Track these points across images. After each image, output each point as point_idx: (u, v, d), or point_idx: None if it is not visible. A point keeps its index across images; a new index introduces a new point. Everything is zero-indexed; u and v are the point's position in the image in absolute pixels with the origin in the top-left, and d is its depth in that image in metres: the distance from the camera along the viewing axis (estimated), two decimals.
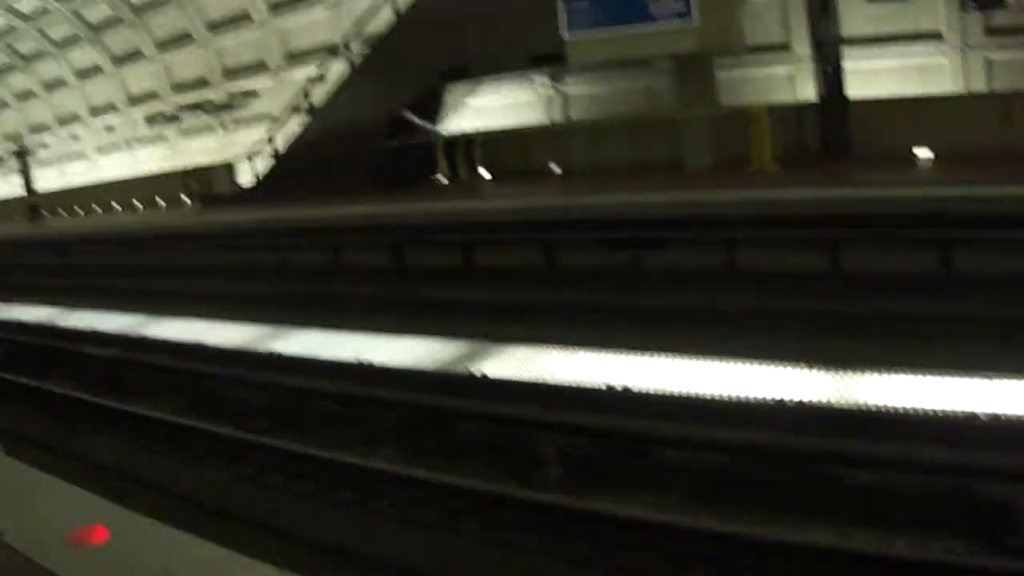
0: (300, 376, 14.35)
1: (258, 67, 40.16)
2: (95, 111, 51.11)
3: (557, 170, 27.23)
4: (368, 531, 9.67)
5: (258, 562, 6.63)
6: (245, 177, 34.52)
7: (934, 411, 9.83)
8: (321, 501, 10.55)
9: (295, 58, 38.09)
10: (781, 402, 10.53)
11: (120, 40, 46.61)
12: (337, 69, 31.38)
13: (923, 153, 21.15)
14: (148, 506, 8.29)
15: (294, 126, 31.79)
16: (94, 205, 46.54)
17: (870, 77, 23.51)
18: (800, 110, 22.97)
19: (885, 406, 10.19)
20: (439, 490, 10.16)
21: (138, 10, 43.95)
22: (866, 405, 10.45)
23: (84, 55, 49.20)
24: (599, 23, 23.91)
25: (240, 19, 39.79)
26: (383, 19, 30.01)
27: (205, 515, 9.83)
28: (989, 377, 10.78)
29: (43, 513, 7.79)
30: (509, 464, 10.72)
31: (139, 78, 47.19)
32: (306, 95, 31.73)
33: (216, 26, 41.28)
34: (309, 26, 36.89)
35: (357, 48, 30.84)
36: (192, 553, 6.91)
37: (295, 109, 32.23)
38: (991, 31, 23.35)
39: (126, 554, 6.86)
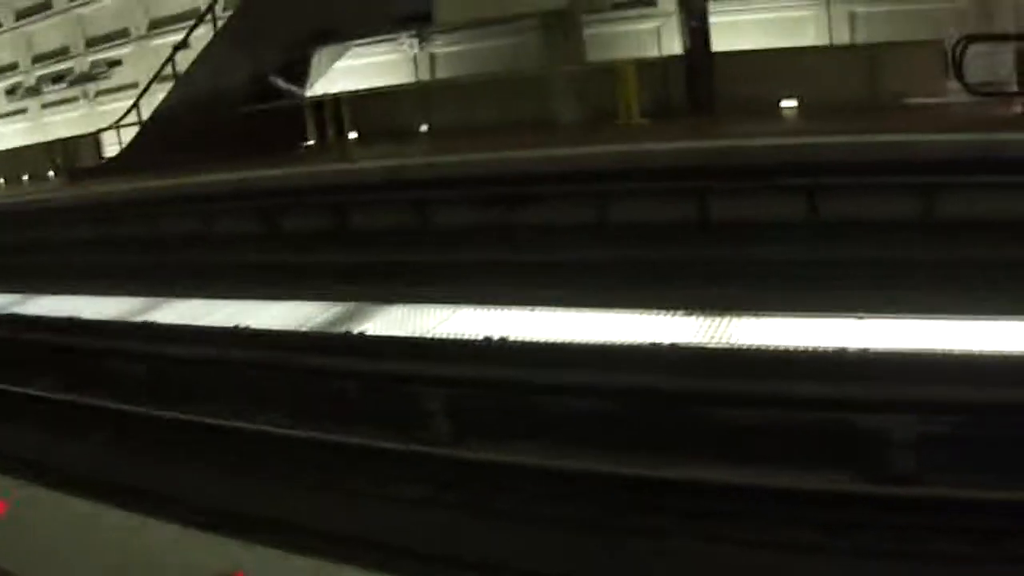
0: (177, 344, 14.27)
1: (121, 35, 39.47)
2: None
3: (425, 129, 27.28)
4: (255, 493, 9.76)
5: (160, 522, 6.78)
6: (111, 149, 33.97)
7: (805, 348, 10.32)
8: (208, 467, 10.59)
9: (159, 25, 37.58)
10: (656, 345, 10.87)
11: None
12: (202, 35, 31.06)
13: (788, 104, 21.68)
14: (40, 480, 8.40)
15: (159, 94, 31.40)
16: None
17: (736, 30, 23.96)
18: (667, 64, 23.33)
19: (759, 346, 10.65)
20: (325, 449, 10.36)
21: None
22: (740, 346, 10.88)
23: None
24: None
25: None
26: None
27: (96, 487, 9.85)
28: (859, 317, 11.32)
29: None
30: (394, 420, 10.96)
31: None
32: (171, 62, 31.34)
33: None
34: None
35: (222, 12, 30.55)
36: (92, 520, 7.03)
37: (160, 77, 31.84)
38: None
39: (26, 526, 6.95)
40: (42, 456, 11.14)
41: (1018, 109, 18.01)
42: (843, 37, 23.94)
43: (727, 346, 11.12)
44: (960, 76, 19.42)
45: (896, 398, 9.03)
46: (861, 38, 23.65)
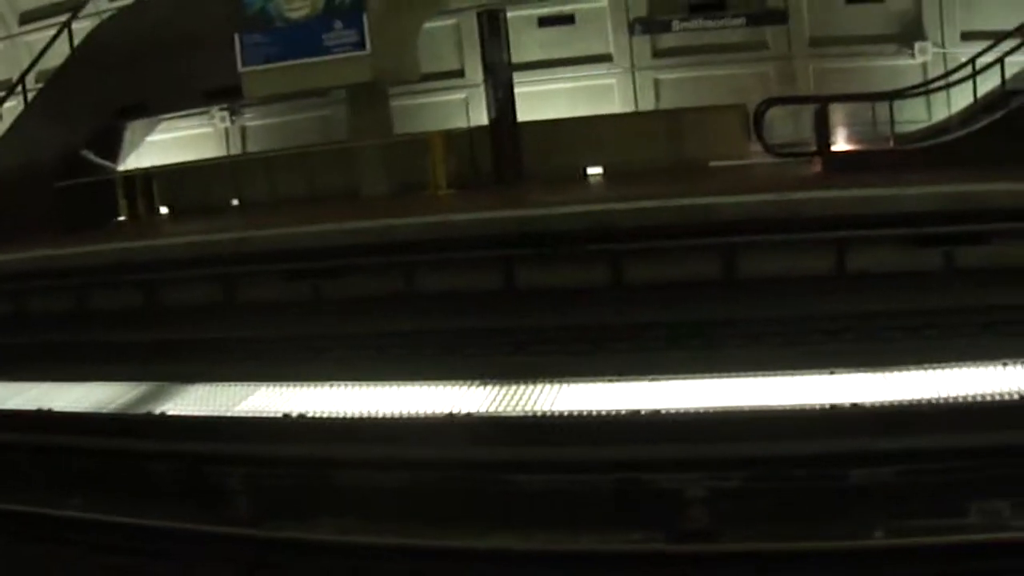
0: None
1: None
2: None
3: (236, 203, 27.03)
4: None
5: None
6: None
7: (601, 412, 10.39)
8: (9, 555, 10.25)
9: None
10: (451, 416, 10.86)
11: None
12: (13, 107, 30.39)
13: (593, 171, 22.03)
14: None
15: None
16: None
17: (543, 100, 24.37)
18: (474, 135, 23.55)
19: (556, 412, 10.69)
20: (130, 533, 10.11)
21: None
22: (538, 413, 10.90)
23: None
24: (274, 56, 23.87)
25: None
26: (60, 54, 29.20)
27: None
28: (654, 379, 11.43)
29: None
30: (197, 500, 10.73)
31: None
32: None
33: None
34: None
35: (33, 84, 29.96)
36: None
37: None
38: (658, 52, 24.53)
39: None
40: None
41: (816, 168, 18.54)
42: (648, 103, 24.43)
43: (524, 414, 11.11)
44: (761, 138, 20.00)
45: (689, 456, 9.14)
46: (666, 104, 24.17)
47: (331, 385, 12.84)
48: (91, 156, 28.02)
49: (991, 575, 7.54)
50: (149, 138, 29.77)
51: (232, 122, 29.79)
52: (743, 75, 23.45)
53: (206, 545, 9.61)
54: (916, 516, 8.47)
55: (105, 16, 28.02)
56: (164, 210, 28.07)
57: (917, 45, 22.96)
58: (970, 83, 20.04)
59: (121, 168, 29.03)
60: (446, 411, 11.00)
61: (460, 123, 25.49)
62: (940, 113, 21.33)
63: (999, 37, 20.39)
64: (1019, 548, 7.68)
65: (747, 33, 23.74)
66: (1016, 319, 13.12)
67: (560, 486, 9.52)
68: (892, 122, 19.71)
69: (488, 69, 23.12)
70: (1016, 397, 9.52)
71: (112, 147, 28.63)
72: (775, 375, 11.08)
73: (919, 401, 9.81)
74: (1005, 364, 10.46)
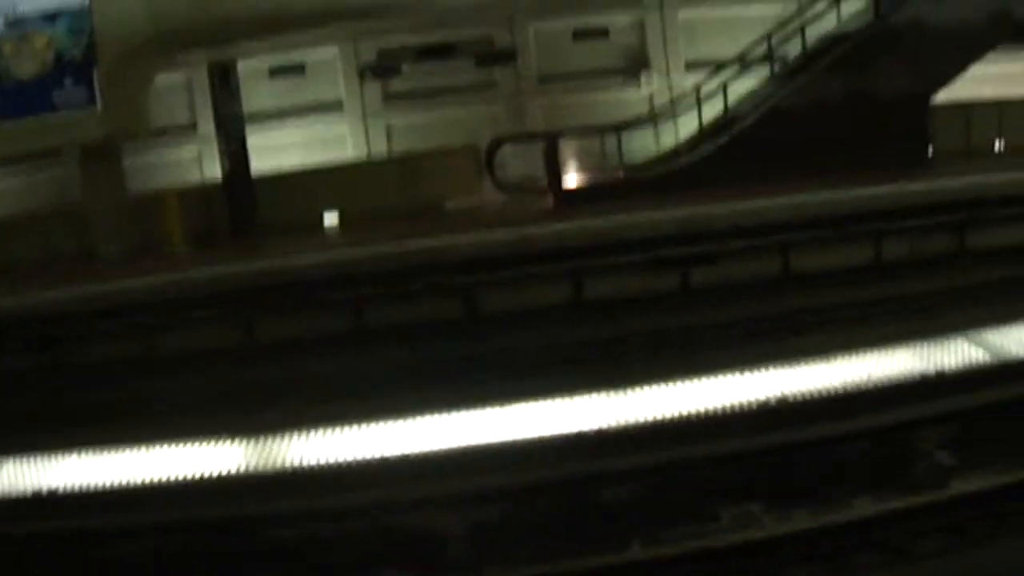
0: None
1: None
2: None
3: None
4: None
5: None
6: None
7: (354, 460, 10.38)
8: None
9: None
10: (186, 479, 10.71)
11: None
12: None
13: (328, 220, 21.97)
14: None
15: None
16: None
17: (277, 151, 24.12)
18: (208, 190, 23.19)
19: (311, 463, 10.63)
20: None
21: None
22: (290, 465, 10.82)
23: None
24: (5, 114, 23.12)
25: None
26: None
27: None
28: (402, 417, 11.45)
29: None
30: None
31: None
32: None
33: None
34: None
35: None
36: None
37: None
38: (389, 97, 24.59)
39: None
40: None
41: (548, 203, 18.86)
42: (382, 149, 24.47)
43: (269, 469, 10.99)
44: (493, 176, 20.26)
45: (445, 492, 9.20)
46: (400, 148, 24.23)
47: (79, 455, 12.49)
48: None
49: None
50: None
51: None
52: (474, 115, 23.64)
53: None
54: None
55: None
56: None
57: (643, 76, 23.56)
58: (695, 112, 20.77)
59: None
60: (183, 475, 10.87)
61: (193, 178, 25.00)
62: (668, 142, 21.94)
63: (720, 65, 21.18)
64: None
65: (477, 74, 23.96)
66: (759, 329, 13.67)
67: (312, 535, 9.47)
68: (620, 153, 20.24)
69: (220, 122, 22.84)
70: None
71: None
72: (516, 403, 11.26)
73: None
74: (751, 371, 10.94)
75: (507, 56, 23.67)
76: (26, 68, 22.55)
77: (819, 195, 16.42)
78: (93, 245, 23.05)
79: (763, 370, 11.38)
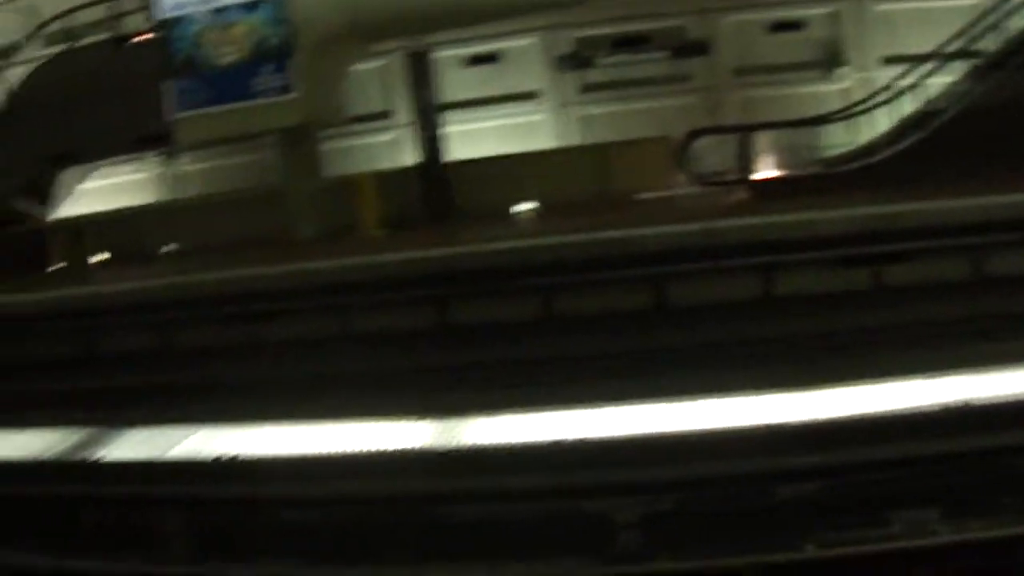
0: None
1: None
2: None
3: (170, 249, 26.96)
4: None
5: None
6: None
7: (534, 443, 10.56)
8: None
9: None
10: (383, 452, 10.98)
11: None
12: None
13: (524, 207, 22.18)
14: None
15: None
16: None
17: (472, 138, 24.47)
18: (404, 175, 23.69)
19: (487, 444, 10.84)
20: None
21: None
22: (471, 445, 11.05)
23: None
24: (205, 101, 23.90)
25: None
26: None
27: None
28: (589, 407, 11.63)
29: None
30: (136, 543, 10.73)
31: None
32: None
33: None
34: None
35: None
36: None
37: None
38: (584, 87, 24.75)
39: None
40: None
41: (741, 196, 18.74)
42: (576, 139, 24.62)
43: (458, 447, 11.26)
44: (686, 169, 20.21)
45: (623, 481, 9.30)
46: (594, 139, 24.35)
47: (268, 426, 12.94)
48: (23, 204, 27.87)
49: None
50: (85, 185, 29.63)
51: (167, 167, 29.71)
52: (668, 107, 23.67)
53: None
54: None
55: (36, 64, 27.88)
56: (99, 257, 27.89)
57: (839, 71, 23.29)
58: (891, 107, 20.40)
59: (55, 216, 28.87)
60: (381, 447, 11.15)
61: (388, 164, 25.56)
62: (863, 137, 21.62)
63: (918, 59, 20.77)
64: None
65: (672, 65, 24.01)
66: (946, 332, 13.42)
67: (489, 517, 9.63)
68: (816, 147, 20.00)
69: (416, 110, 23.26)
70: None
71: (44, 195, 28.48)
72: (704, 398, 11.31)
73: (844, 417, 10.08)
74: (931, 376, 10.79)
75: (702, 48, 23.62)
76: (227, 56, 23.26)
77: (1018, 196, 16.00)
78: (290, 227, 23.71)
79: (951, 375, 11.24)
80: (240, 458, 11.71)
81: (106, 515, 11.52)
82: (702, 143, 21.12)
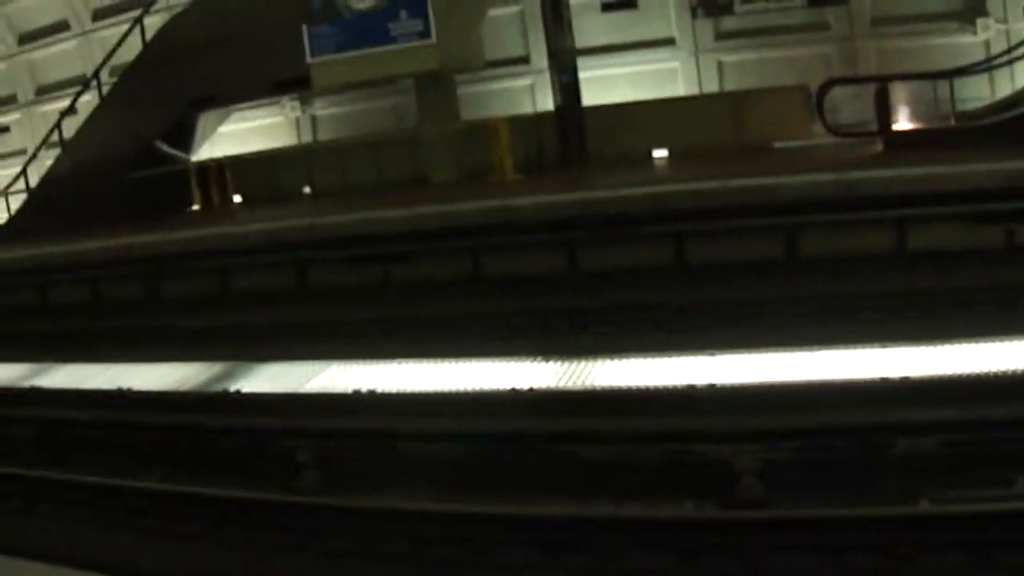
0: (63, 408, 14.30)
1: (8, 101, 39.22)
2: None
3: (307, 191, 27.52)
4: (139, 547, 9.90)
5: None
6: None
7: (659, 387, 10.81)
8: (93, 525, 10.65)
9: (46, 91, 37.43)
10: (515, 391, 11.29)
11: None
12: (89, 101, 30.98)
13: (658, 154, 22.27)
14: None
15: (47, 161, 31.21)
16: None
17: (607, 84, 24.58)
18: (540, 120, 23.91)
19: (616, 387, 11.11)
20: (204, 503, 10.52)
21: None
22: (598, 387, 11.34)
23: None
24: (342, 46, 24.25)
25: None
26: (134, 49, 29.73)
27: None
28: (712, 354, 11.84)
29: None
30: (269, 472, 11.14)
31: None
32: (58, 129, 31.20)
33: None
34: (59, 57, 36.34)
35: (107, 79, 30.55)
36: None
37: (48, 143, 31.68)
38: (720, 35, 24.70)
39: None
40: None
41: (878, 148, 18.63)
42: (711, 86, 24.59)
43: (584, 388, 11.52)
44: (823, 118, 20.11)
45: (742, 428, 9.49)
46: (729, 86, 24.32)
47: (399, 363, 13.30)
48: (164, 147, 28.58)
49: None
50: (222, 128, 30.30)
51: (303, 111, 30.26)
52: (805, 56, 23.51)
53: (273, 513, 10.01)
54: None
55: (176, 11, 28.52)
56: (237, 199, 28.56)
57: (979, 22, 22.91)
58: None
59: (194, 158, 29.58)
60: (510, 386, 11.46)
61: (526, 109, 25.80)
62: (1003, 91, 21.33)
63: None
64: None
65: (809, 14, 23.76)
66: None
67: (613, 457, 9.87)
68: (953, 100, 19.76)
69: (552, 55, 23.39)
70: None
71: (185, 138, 29.16)
72: (829, 349, 11.43)
73: (964, 374, 10.15)
74: None
75: None
76: (365, 2, 23.56)
77: None
78: (426, 171, 24.06)
79: None
80: (373, 392, 12.16)
81: (241, 446, 12.00)
82: (838, 93, 20.98)
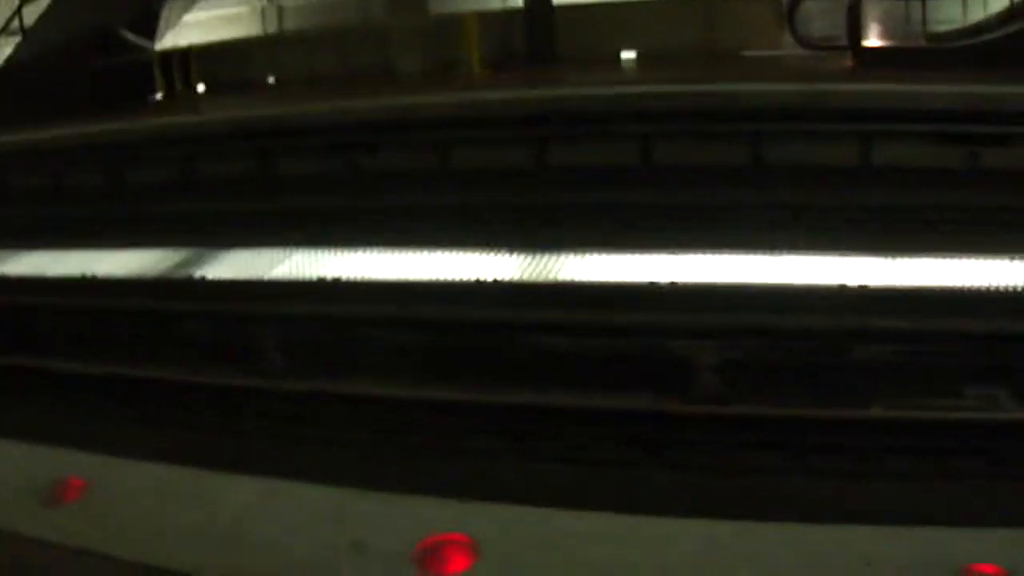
0: (27, 294, 14.35)
1: None
2: None
3: (272, 82, 27.29)
4: (108, 432, 9.87)
5: None
6: None
7: (621, 282, 10.95)
8: (57, 411, 10.51)
9: None
10: (479, 281, 11.41)
11: None
12: None
13: (626, 56, 22.21)
14: None
15: (7, 49, 30.80)
16: None
17: None
18: (508, 15, 23.77)
19: (579, 280, 11.21)
20: (172, 387, 10.56)
21: None
22: (561, 280, 11.43)
23: None
24: None
25: None
26: None
27: None
28: (675, 253, 11.97)
29: None
30: (235, 357, 11.25)
31: None
32: (18, 15, 30.78)
33: None
34: None
35: None
36: None
37: (7, 31, 31.26)
38: None
39: None
40: None
41: (846, 63, 18.66)
42: None
43: (545, 281, 11.63)
44: (793, 30, 20.10)
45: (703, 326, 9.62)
46: None
47: (363, 251, 13.35)
48: (128, 35, 28.27)
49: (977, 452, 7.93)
50: (186, 17, 29.96)
51: (269, 1, 29.99)
52: None
53: (242, 398, 10.09)
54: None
55: None
56: (201, 88, 28.34)
57: None
58: None
59: (158, 47, 29.28)
60: (472, 277, 11.53)
61: (495, 5, 25.64)
62: (975, 16, 21.32)
63: None
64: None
65: None
66: None
67: (576, 349, 9.98)
68: (925, 22, 19.78)
69: None
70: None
71: (150, 26, 28.85)
72: (787, 254, 11.56)
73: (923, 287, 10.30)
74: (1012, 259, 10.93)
75: None
76: None
77: None
78: (393, 63, 23.94)
79: None
80: (338, 279, 12.22)
81: (204, 331, 12.06)
82: (811, 6, 20.94)
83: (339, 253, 14.06)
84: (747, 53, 21.12)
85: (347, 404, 9.61)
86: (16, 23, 29.76)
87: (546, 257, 12.53)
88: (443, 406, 9.28)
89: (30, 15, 29.27)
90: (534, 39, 22.62)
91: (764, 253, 11.98)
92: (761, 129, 15.86)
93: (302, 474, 6.86)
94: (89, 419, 10.11)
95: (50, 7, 28.45)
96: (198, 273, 14.09)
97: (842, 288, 10.34)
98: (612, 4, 23.20)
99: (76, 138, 22.01)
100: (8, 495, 6.98)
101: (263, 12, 30.13)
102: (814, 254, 11.88)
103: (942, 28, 20.49)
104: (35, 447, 7.69)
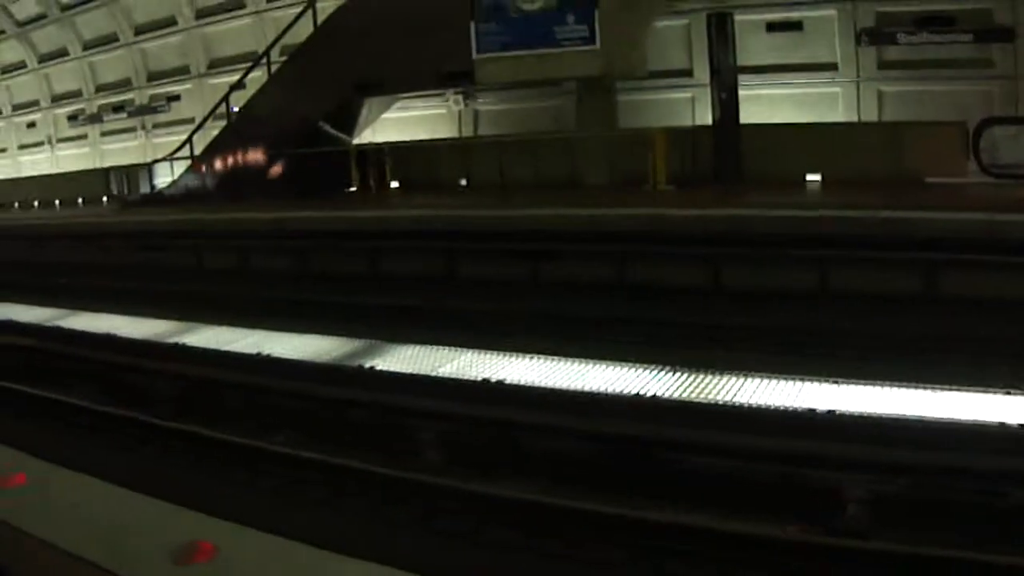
0: (205, 367, 15.06)
1: (181, 71, 40.54)
2: (17, 108, 50.94)
3: (463, 183, 28.06)
4: (260, 506, 10.32)
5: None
6: (163, 179, 34.86)
7: (782, 408, 11.00)
8: (219, 479, 11.11)
9: (217, 64, 38.63)
10: (638, 396, 11.63)
11: (46, 38, 46.67)
12: (257, 77, 31.92)
13: (811, 178, 22.29)
14: None
15: (213, 131, 32.20)
16: (15, 201, 45.34)
17: (766, 104, 24.70)
18: (696, 133, 24.11)
19: (741, 403, 11.32)
20: (327, 470, 10.93)
21: (65, 8, 44.10)
22: (722, 401, 11.54)
23: (10, 51, 49.06)
24: (507, 45, 24.84)
25: (166, 24, 40.22)
26: (304, 30, 30.61)
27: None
28: (841, 383, 11.91)
29: None
30: (391, 447, 11.62)
31: (63, 77, 47.15)
32: (226, 101, 32.19)
33: (142, 30, 41.65)
34: (232, 33, 37.50)
35: (277, 57, 31.48)
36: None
37: (214, 115, 32.72)
38: (883, 64, 24.62)
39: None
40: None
41: None
42: (870, 114, 24.53)
43: (708, 401, 11.72)
44: (978, 157, 19.96)
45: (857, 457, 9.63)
46: (887, 116, 24.25)
47: (531, 358, 13.64)
48: (328, 128, 29.33)
49: None
50: (385, 115, 30.99)
51: (465, 105, 30.88)
52: (966, 92, 23.31)
53: (390, 489, 10.41)
54: None
55: None
56: (394, 184, 29.18)
57: None
58: None
59: (356, 141, 30.29)
60: (635, 391, 11.74)
61: (684, 121, 26.02)
62: None
63: None
64: None
65: (973, 49, 23.53)
66: None
67: (728, 471, 10.10)
68: None
69: (714, 70, 23.56)
70: None
71: (349, 121, 29.93)
72: (964, 391, 11.39)
73: None
74: None
75: (1007, 34, 23.11)
76: (533, 3, 24.03)
77: None
78: (580, 174, 24.45)
79: None
80: (501, 383, 12.58)
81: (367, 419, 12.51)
82: (997, 132, 20.81)
83: (510, 357, 14.34)
84: (931, 179, 21.04)
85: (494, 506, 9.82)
86: (223, 108, 31.29)
87: (713, 377, 12.59)
88: (583, 516, 9.42)
89: (236, 101, 30.84)
90: (721, 157, 22.90)
91: (931, 388, 11.82)
92: (934, 259, 15.79)
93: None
94: (237, 490, 10.70)
95: (255, 94, 29.82)
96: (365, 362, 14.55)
97: (1002, 427, 10.20)
98: (799, 126, 23.44)
99: (269, 223, 22.77)
100: (142, 549, 7.37)
101: (459, 116, 30.98)
102: (988, 391, 11.63)
103: None
104: (177, 508, 8.09)
